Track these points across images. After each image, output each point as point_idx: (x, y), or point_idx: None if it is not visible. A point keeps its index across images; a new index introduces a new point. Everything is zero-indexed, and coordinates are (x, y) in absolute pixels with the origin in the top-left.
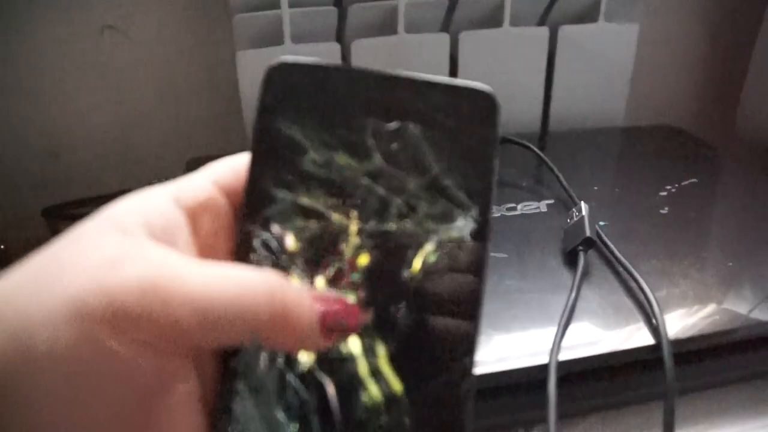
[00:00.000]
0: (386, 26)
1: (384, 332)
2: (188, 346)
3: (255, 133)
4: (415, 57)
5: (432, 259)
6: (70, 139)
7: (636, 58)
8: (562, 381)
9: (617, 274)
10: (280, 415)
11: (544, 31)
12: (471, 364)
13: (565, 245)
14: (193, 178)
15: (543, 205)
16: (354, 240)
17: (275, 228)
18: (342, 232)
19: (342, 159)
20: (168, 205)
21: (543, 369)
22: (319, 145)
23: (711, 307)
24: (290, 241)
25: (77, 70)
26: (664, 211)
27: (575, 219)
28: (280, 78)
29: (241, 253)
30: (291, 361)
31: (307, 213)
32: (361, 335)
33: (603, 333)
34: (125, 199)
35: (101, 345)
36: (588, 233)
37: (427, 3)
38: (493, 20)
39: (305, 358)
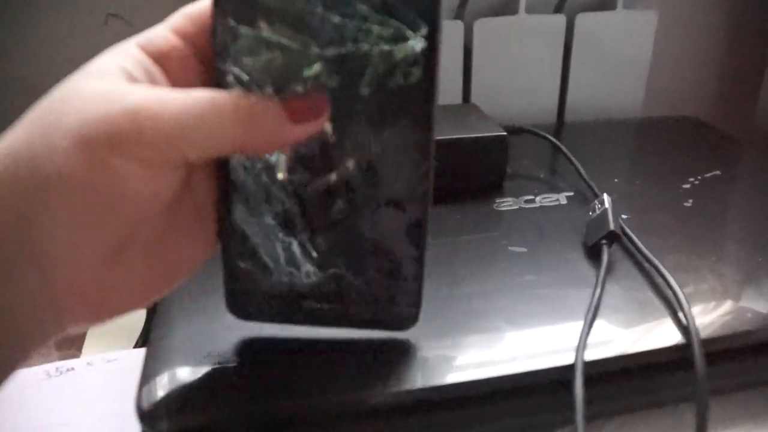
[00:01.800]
0: None
1: (348, 146)
2: (176, 158)
3: None
4: None
5: (386, 77)
6: None
7: (654, 47)
8: (587, 382)
9: (642, 269)
10: (269, 220)
11: (560, 19)
12: (427, 166)
13: (588, 239)
14: (155, 29)
15: (563, 198)
16: (315, 67)
17: (243, 61)
18: (303, 60)
19: None
20: (140, 55)
21: (568, 369)
22: None
23: (741, 304)
24: (258, 73)
25: (80, 60)
26: (688, 204)
27: (598, 212)
28: None
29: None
30: (272, 174)
31: (270, 45)
32: (329, 148)
33: (630, 331)
34: (100, 56)
35: (104, 163)
36: (612, 227)
37: None
38: (508, 7)
39: (284, 173)
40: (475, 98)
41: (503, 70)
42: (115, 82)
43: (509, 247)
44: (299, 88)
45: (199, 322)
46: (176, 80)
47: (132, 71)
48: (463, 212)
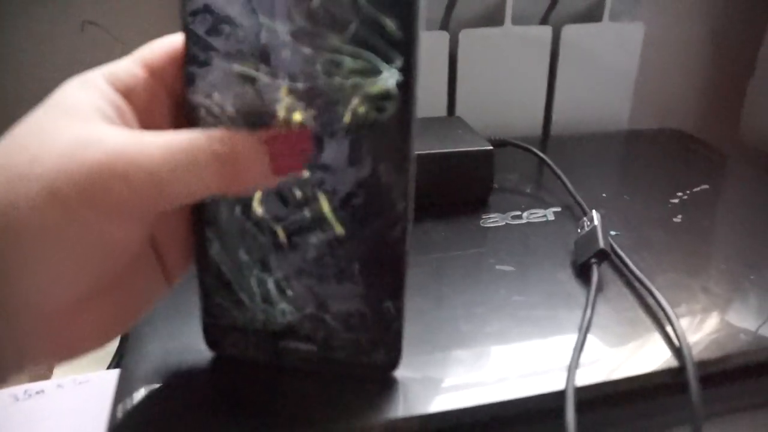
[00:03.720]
0: None
1: (323, 185)
2: (151, 211)
3: (182, 10)
4: None
5: (360, 112)
6: None
7: (640, 59)
8: (579, 408)
9: (633, 288)
10: (244, 257)
11: (546, 31)
12: (405, 205)
13: (577, 257)
14: (123, 63)
15: (550, 213)
16: (286, 100)
17: (214, 94)
18: (274, 93)
19: (265, 22)
20: (109, 90)
21: (559, 396)
22: (243, 12)
23: (734, 324)
24: (229, 106)
25: (57, 67)
26: (678, 219)
27: (587, 229)
28: None
29: (186, 124)
30: (247, 210)
31: (241, 78)
32: (303, 184)
33: (622, 355)
34: (67, 86)
35: (76, 216)
36: (602, 245)
37: (427, 0)
38: (494, 18)
39: (258, 209)
40: (460, 109)
41: (489, 82)
42: (87, 125)
43: (496, 266)
44: (279, 122)
45: (172, 345)
46: (144, 116)
47: (104, 110)
48: (448, 228)
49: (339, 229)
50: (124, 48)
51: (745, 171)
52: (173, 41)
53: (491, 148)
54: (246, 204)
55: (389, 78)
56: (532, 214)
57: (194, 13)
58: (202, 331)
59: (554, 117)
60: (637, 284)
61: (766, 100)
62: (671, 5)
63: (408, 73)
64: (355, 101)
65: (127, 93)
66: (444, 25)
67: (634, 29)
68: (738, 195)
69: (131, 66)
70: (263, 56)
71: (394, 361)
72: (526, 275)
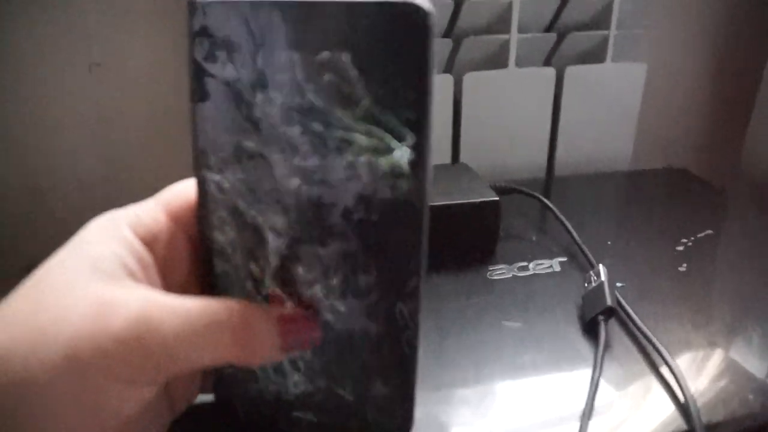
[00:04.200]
0: None
1: (333, 260)
2: (167, 377)
3: (192, 88)
4: None
5: (371, 190)
6: (54, 179)
7: (643, 98)
8: None
9: (640, 345)
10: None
11: (550, 72)
12: (417, 281)
13: (584, 313)
14: (147, 208)
15: (556, 264)
16: (295, 180)
17: (224, 170)
18: (284, 170)
19: (276, 97)
20: (133, 239)
21: None
22: (253, 86)
23: (743, 383)
24: (239, 182)
25: (63, 108)
26: (683, 268)
27: (593, 284)
28: (203, 17)
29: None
30: (259, 287)
31: (250, 155)
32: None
33: (630, 416)
34: (93, 227)
35: (93, 384)
36: (609, 302)
37: None
38: (498, 61)
39: (272, 285)
40: (464, 151)
41: (493, 124)
42: (110, 285)
43: (504, 322)
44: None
45: None
46: (165, 263)
47: (129, 264)
48: (455, 281)
49: (349, 306)
50: (131, 89)
51: (748, 214)
52: (191, 186)
53: (497, 198)
54: (256, 281)
55: (401, 156)
56: (538, 264)
57: (200, 86)
58: (215, 399)
59: (558, 157)
60: (644, 341)
61: (766, 135)
62: (672, 45)
63: (420, 150)
64: (365, 179)
65: (151, 240)
66: (448, 68)
67: (637, 69)
68: (742, 241)
69: (155, 211)
70: (272, 133)
71: (406, 429)
72: (533, 332)
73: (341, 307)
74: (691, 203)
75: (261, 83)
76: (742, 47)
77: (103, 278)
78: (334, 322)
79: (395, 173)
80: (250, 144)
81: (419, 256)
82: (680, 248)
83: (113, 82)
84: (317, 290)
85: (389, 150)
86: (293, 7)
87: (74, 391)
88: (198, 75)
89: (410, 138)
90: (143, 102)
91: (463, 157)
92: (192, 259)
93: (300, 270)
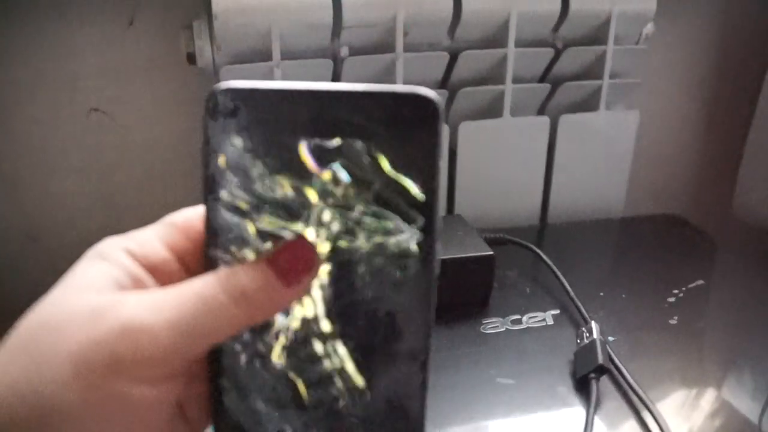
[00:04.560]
0: None
1: (344, 338)
2: (178, 365)
3: (206, 165)
4: None
5: (382, 271)
6: (51, 223)
7: (635, 145)
8: None
9: (631, 403)
10: (262, 407)
11: (544, 121)
12: (425, 358)
13: (576, 369)
14: (145, 236)
15: (549, 317)
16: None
17: (235, 251)
18: None
19: (289, 181)
20: (130, 262)
21: None
22: (266, 170)
23: None
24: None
25: (61, 152)
26: (674, 321)
27: (586, 341)
28: (222, 103)
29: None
30: (266, 362)
31: (263, 236)
32: (324, 339)
33: None
34: (84, 260)
35: (104, 389)
36: (600, 360)
37: None
38: (493, 110)
39: (277, 361)
40: (459, 199)
41: (488, 171)
42: (104, 295)
43: (497, 378)
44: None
45: None
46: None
47: (119, 279)
48: (449, 335)
49: (360, 382)
50: (129, 135)
51: (738, 262)
52: (194, 216)
53: (492, 253)
54: (264, 356)
55: (411, 237)
56: (531, 318)
57: (214, 166)
58: None
59: (552, 204)
60: (635, 399)
61: (756, 180)
62: (664, 93)
63: (429, 232)
64: (375, 260)
65: (149, 268)
66: (444, 118)
67: (630, 117)
68: (732, 291)
69: (154, 243)
70: (285, 215)
71: None
72: (526, 389)
73: (352, 380)
74: (682, 251)
75: (273, 167)
76: (732, 96)
77: (92, 292)
78: (345, 394)
79: (404, 254)
80: (262, 226)
81: (428, 339)
82: (671, 299)
83: (111, 127)
84: (325, 369)
85: (399, 231)
86: (309, 94)
87: (85, 400)
88: (211, 158)
89: (419, 220)
90: (141, 148)
91: (459, 204)
92: None
93: (307, 349)
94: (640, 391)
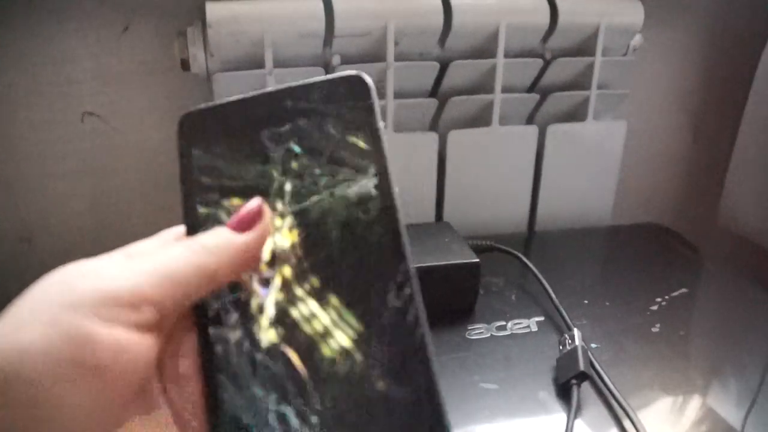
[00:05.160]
0: None
1: (328, 292)
2: (147, 312)
3: (182, 171)
4: (405, 154)
5: (348, 218)
6: (44, 225)
7: (623, 155)
8: None
9: (611, 409)
10: (258, 391)
11: (533, 130)
12: (410, 292)
13: (558, 376)
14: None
15: (533, 323)
16: (288, 219)
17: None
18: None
19: (255, 166)
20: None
21: None
22: (236, 163)
23: None
24: None
25: (55, 155)
26: (656, 329)
27: (568, 348)
28: (190, 124)
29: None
30: (254, 342)
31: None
32: (310, 296)
33: None
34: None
35: (64, 325)
36: (582, 367)
37: (417, 103)
38: (481, 119)
39: (266, 336)
40: (448, 206)
41: (476, 180)
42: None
43: (481, 384)
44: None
45: None
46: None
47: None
48: (435, 339)
49: (353, 330)
50: (122, 138)
51: (722, 272)
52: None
53: (477, 260)
54: (254, 335)
55: (367, 182)
56: (515, 324)
57: (189, 170)
58: None
59: (539, 212)
60: (615, 405)
61: (741, 190)
62: (651, 104)
63: (383, 175)
64: (340, 210)
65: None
66: (433, 127)
67: (617, 127)
68: (714, 301)
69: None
70: (256, 192)
71: None
72: (508, 394)
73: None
74: (667, 260)
75: (240, 160)
76: (718, 107)
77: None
78: (341, 353)
79: (365, 198)
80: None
81: (407, 269)
82: (654, 308)
83: (105, 131)
84: (316, 328)
85: (356, 181)
86: (260, 97)
87: (55, 338)
88: (187, 164)
89: (372, 167)
90: (135, 152)
91: (447, 211)
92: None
93: (294, 313)
94: (620, 398)
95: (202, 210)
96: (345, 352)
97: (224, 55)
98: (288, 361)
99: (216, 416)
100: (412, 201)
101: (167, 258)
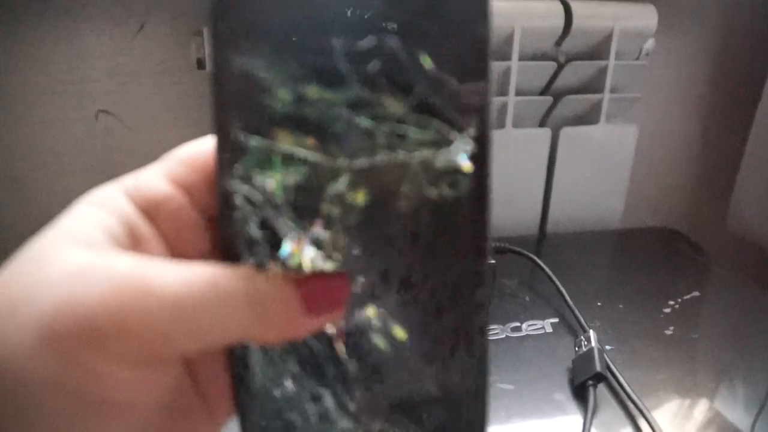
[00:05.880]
0: None
1: (386, 278)
2: (170, 354)
3: (214, 76)
4: None
5: (428, 189)
6: None
7: (634, 159)
8: None
9: (627, 410)
10: (295, 368)
11: (545, 133)
12: (483, 294)
13: (574, 377)
14: (147, 174)
15: (548, 325)
16: (343, 180)
17: (254, 179)
18: (327, 174)
19: (315, 91)
20: (128, 207)
21: None
22: (288, 79)
23: None
24: (273, 192)
25: (69, 154)
26: (669, 331)
27: (584, 349)
28: (231, 13)
29: (223, 216)
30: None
31: (288, 159)
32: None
33: None
34: (80, 206)
35: (79, 364)
36: (598, 368)
37: None
38: (496, 121)
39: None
40: None
41: None
42: (96, 255)
43: (497, 384)
44: (324, 216)
45: None
46: (169, 236)
47: (117, 234)
48: None
49: (402, 325)
50: (137, 136)
51: (732, 276)
52: (201, 149)
53: (493, 261)
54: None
55: (462, 147)
56: (530, 325)
57: (225, 76)
58: None
59: (551, 215)
60: (632, 406)
61: (751, 196)
62: (662, 108)
63: (483, 141)
64: (422, 177)
65: (150, 209)
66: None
67: (629, 131)
68: (726, 304)
69: (156, 179)
70: (313, 130)
71: None
72: (524, 395)
73: (397, 327)
74: (678, 264)
75: (297, 75)
76: (729, 112)
77: (82, 247)
78: (388, 344)
79: (455, 169)
80: (285, 146)
81: (483, 268)
82: (667, 310)
83: (120, 130)
84: (369, 310)
85: (448, 142)
86: None
87: (56, 374)
88: (222, 67)
89: (471, 127)
90: (148, 150)
91: None
92: (205, 237)
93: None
94: (636, 399)
95: (241, 136)
96: (398, 343)
97: None
98: (332, 344)
99: (243, 399)
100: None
101: (210, 297)
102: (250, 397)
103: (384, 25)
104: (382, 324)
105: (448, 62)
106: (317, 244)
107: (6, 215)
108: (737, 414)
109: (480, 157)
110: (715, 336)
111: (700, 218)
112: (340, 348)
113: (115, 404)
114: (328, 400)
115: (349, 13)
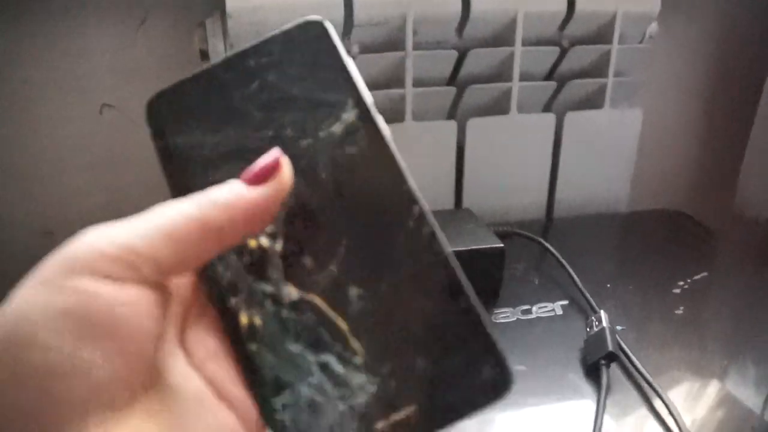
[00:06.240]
0: (398, 114)
1: (331, 233)
2: (148, 269)
3: (161, 157)
4: (424, 142)
5: (339, 155)
6: (65, 218)
7: (639, 142)
8: None
9: (640, 388)
10: (294, 347)
11: (550, 118)
12: (419, 209)
13: (586, 356)
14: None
15: (558, 307)
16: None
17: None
18: None
19: (235, 130)
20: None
21: None
22: (214, 131)
23: (741, 424)
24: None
25: (74, 149)
26: (680, 311)
27: (595, 329)
28: (159, 106)
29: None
30: (278, 298)
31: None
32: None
33: None
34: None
35: (64, 287)
36: (610, 347)
37: (435, 92)
38: (500, 107)
39: (287, 292)
40: (467, 194)
41: (495, 167)
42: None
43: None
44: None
45: None
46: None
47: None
48: None
49: (372, 271)
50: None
51: (740, 255)
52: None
53: (502, 245)
54: (275, 294)
55: (348, 116)
56: (541, 308)
57: (167, 150)
58: None
59: (557, 199)
60: (645, 385)
61: (757, 176)
62: (667, 91)
63: (361, 106)
64: (330, 148)
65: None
66: (452, 115)
67: (634, 114)
68: (735, 282)
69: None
70: (242, 156)
71: (504, 378)
72: (538, 375)
73: (368, 274)
74: (686, 245)
75: (219, 127)
76: (734, 94)
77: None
78: (368, 291)
79: (350, 131)
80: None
81: (411, 193)
82: (677, 291)
83: (123, 124)
84: (333, 270)
85: (337, 117)
86: (227, 62)
87: (57, 301)
88: (164, 145)
89: (350, 101)
90: (153, 144)
91: (466, 198)
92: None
93: (308, 260)
94: (649, 377)
95: (194, 190)
96: (371, 289)
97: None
98: (317, 310)
99: (257, 382)
100: (432, 189)
101: (169, 213)
102: (262, 384)
103: (262, 70)
104: (347, 277)
105: (317, 70)
106: None
107: (11, 212)
108: (749, 392)
109: (366, 118)
110: (725, 315)
111: (706, 200)
112: (324, 306)
113: (106, 319)
114: (334, 363)
115: (239, 74)
